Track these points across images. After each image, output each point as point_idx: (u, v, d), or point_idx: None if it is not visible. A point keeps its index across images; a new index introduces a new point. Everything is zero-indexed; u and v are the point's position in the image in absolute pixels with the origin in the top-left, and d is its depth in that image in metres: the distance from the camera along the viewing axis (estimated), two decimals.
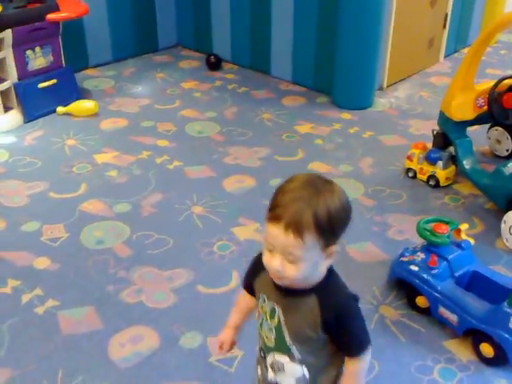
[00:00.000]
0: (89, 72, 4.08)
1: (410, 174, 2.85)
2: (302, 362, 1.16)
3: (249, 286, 1.26)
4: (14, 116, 3.32)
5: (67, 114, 3.44)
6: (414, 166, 2.82)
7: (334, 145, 3.19)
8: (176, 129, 3.34)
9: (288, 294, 1.12)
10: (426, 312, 2.01)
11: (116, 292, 2.11)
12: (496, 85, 2.61)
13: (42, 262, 2.26)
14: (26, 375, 1.79)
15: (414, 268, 2.01)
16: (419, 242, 2.12)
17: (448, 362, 1.86)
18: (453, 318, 1.90)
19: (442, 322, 1.97)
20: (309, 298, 1.11)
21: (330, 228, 1.03)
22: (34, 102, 3.35)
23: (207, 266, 2.26)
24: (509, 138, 2.93)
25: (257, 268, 1.19)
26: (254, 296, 1.26)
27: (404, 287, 2.09)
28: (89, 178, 2.85)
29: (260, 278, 1.20)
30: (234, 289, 2.12)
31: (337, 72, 3.54)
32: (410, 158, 2.83)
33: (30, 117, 3.35)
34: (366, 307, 2.05)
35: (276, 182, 2.85)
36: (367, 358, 1.18)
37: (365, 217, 2.56)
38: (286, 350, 1.16)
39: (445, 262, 1.97)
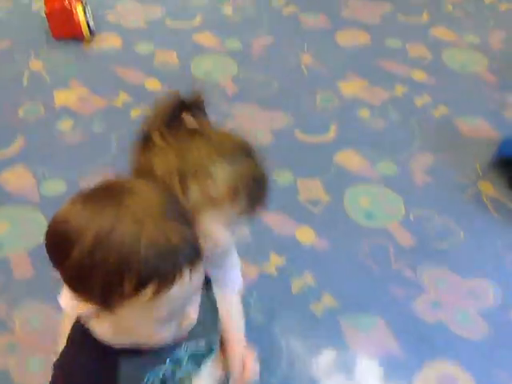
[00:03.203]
0: None
1: None
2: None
3: None
4: None
5: None
6: None
7: (464, 12, 2.91)
8: None
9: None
10: None
11: None
12: None
13: (151, 83, 2.33)
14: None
15: None
16: None
17: None
18: None
19: None
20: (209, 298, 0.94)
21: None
22: None
23: (308, 115, 2.25)
24: None
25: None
26: None
27: (509, 169, 2.00)
28: (204, 10, 2.82)
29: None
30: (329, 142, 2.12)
31: None
32: None
33: None
34: (463, 181, 1.99)
35: (393, 43, 2.77)
36: None
37: (482, 92, 2.39)
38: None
39: None
